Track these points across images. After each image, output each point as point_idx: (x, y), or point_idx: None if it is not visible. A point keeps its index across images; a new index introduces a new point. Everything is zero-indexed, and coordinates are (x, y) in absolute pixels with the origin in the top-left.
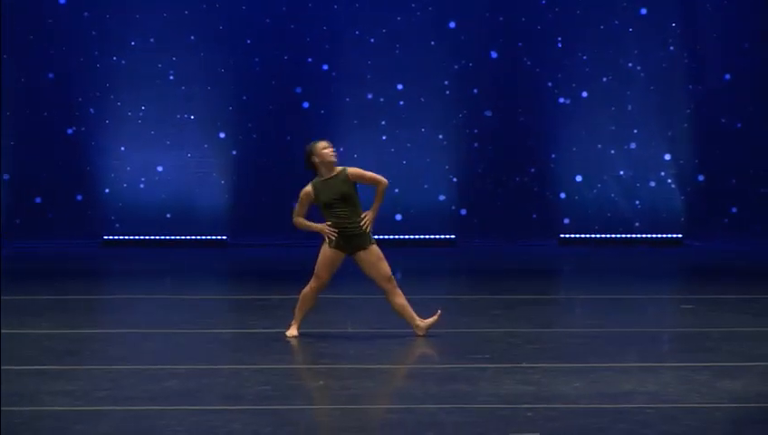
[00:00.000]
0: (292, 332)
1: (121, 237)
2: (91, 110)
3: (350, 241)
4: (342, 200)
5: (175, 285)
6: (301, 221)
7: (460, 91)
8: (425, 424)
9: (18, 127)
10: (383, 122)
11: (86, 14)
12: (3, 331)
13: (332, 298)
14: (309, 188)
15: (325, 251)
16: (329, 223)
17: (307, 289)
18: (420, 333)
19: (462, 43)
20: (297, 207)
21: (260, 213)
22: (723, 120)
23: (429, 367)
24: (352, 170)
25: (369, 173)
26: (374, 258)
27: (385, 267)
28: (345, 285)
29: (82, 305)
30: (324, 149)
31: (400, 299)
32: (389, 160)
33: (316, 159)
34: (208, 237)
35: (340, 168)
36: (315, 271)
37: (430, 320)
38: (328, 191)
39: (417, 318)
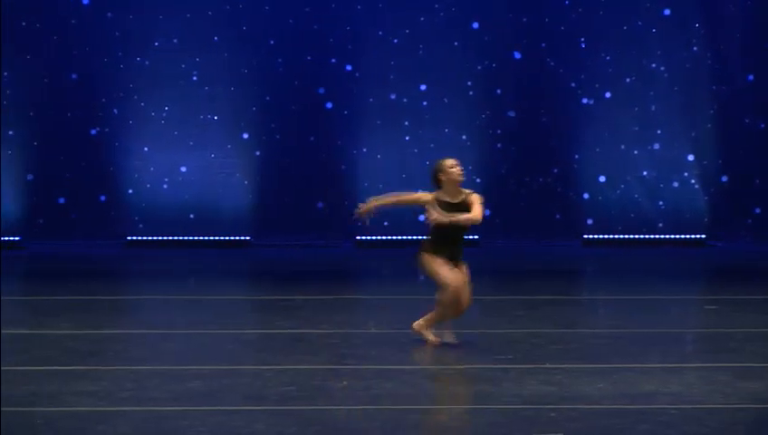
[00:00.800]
0: (449, 337)
1: (145, 238)
2: (115, 110)
3: (451, 259)
4: (461, 229)
5: (198, 286)
6: (388, 196)
7: (483, 91)
8: (448, 425)
9: (42, 127)
10: (406, 123)
11: (109, 14)
12: (25, 331)
13: (355, 299)
14: (431, 196)
15: (432, 258)
16: (432, 240)
17: (448, 293)
18: (413, 329)
19: (485, 44)
20: (409, 193)
21: (283, 213)
22: (746, 121)
23: (452, 368)
24: (474, 197)
25: (480, 207)
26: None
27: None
28: (367, 286)
29: (106, 306)
30: (452, 167)
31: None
32: (412, 161)
33: (443, 177)
34: (232, 238)
35: (466, 191)
36: (441, 281)
37: (430, 336)
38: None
39: (426, 323)
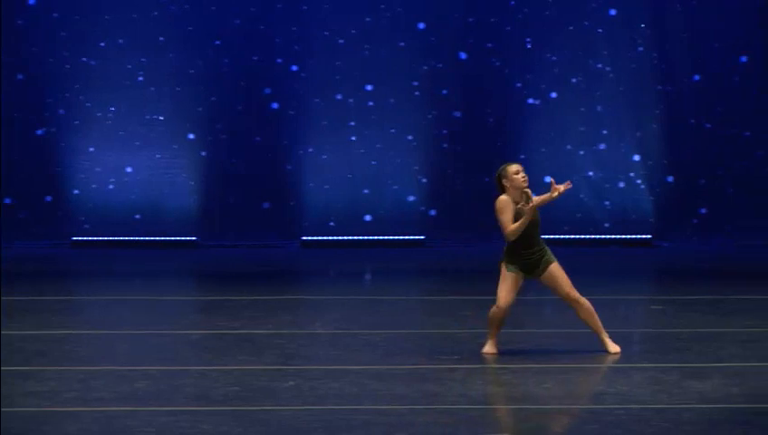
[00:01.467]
0: (489, 349)
1: (91, 238)
2: (61, 111)
3: (531, 267)
4: (534, 226)
5: (144, 286)
6: (515, 227)
7: (429, 91)
8: (394, 425)
9: None
10: (352, 123)
11: (55, 14)
12: None
13: (301, 299)
14: (506, 196)
15: (504, 271)
16: (507, 246)
17: (494, 311)
18: (610, 350)
19: (431, 44)
20: (504, 215)
21: (229, 214)
22: (692, 121)
23: (399, 368)
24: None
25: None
26: (556, 277)
27: (566, 283)
28: (313, 286)
29: (52, 306)
30: (516, 174)
31: (584, 314)
32: (359, 161)
33: (506, 183)
34: (178, 238)
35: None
36: (498, 294)
37: (612, 347)
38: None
39: (605, 334)
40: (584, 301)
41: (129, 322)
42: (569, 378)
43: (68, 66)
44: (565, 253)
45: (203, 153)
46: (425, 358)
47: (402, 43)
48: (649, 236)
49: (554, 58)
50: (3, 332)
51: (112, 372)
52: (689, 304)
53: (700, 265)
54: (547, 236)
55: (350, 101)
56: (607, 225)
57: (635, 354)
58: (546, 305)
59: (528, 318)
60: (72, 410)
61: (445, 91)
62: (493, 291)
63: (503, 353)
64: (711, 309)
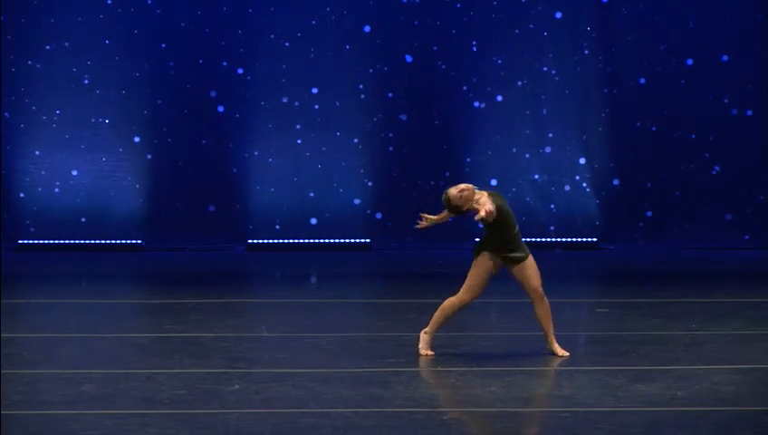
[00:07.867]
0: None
1: (36, 242)
2: (6, 114)
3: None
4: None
5: (90, 290)
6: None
7: (375, 95)
8: (340, 428)
9: None
10: (298, 126)
11: (1, 17)
12: None
13: (247, 302)
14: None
15: (484, 263)
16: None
17: (456, 301)
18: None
19: (377, 47)
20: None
21: (175, 217)
22: (638, 124)
23: (344, 371)
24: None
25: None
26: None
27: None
28: (259, 289)
29: None
30: (467, 198)
31: (540, 310)
32: (304, 164)
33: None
34: (124, 242)
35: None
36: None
37: (560, 351)
38: None
39: (552, 338)
40: (543, 302)
41: (75, 325)
42: (514, 381)
43: (13, 69)
44: None
45: (148, 156)
46: (370, 361)
47: (348, 46)
48: (595, 239)
49: (500, 61)
50: None
51: (57, 376)
52: (635, 307)
53: (646, 267)
54: None
55: (296, 103)
56: (552, 228)
57: (581, 357)
58: (490, 309)
59: (471, 321)
60: (19, 414)
61: (390, 94)
62: (437, 293)
63: (448, 356)
64: (656, 312)
